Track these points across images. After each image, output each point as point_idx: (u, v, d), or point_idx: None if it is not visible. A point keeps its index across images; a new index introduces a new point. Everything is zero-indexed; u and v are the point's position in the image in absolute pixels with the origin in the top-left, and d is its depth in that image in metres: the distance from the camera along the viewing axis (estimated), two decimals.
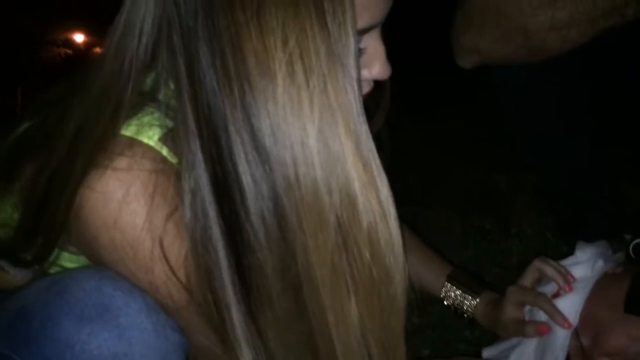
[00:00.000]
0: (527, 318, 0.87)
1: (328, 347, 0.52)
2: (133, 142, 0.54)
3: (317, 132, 0.47)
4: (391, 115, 0.72)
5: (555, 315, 0.83)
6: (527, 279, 0.91)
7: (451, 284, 1.03)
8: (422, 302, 1.10)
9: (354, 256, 0.50)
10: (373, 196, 0.49)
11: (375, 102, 0.69)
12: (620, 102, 1.00)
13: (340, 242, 0.49)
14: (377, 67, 0.57)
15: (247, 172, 0.48)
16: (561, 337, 0.83)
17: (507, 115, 1.07)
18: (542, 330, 0.84)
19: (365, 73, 0.57)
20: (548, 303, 0.85)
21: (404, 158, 1.46)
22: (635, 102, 0.98)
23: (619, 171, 1.11)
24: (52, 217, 0.55)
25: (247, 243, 0.50)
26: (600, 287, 0.85)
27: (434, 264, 1.06)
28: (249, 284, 0.51)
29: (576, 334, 0.83)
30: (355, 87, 0.49)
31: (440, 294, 1.03)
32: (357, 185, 0.48)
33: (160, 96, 0.56)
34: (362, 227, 0.49)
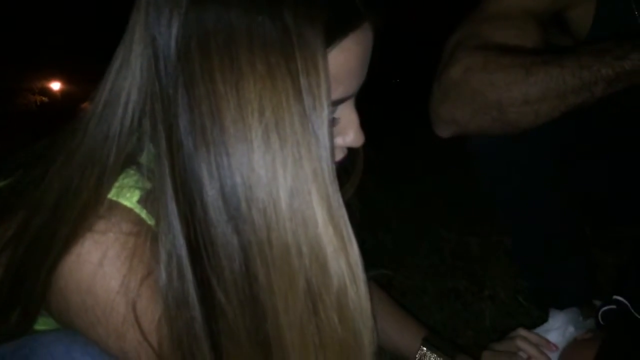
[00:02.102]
0: None
1: None
2: (112, 205, 0.54)
3: (289, 197, 0.48)
4: (367, 179, 0.73)
5: None
6: (504, 346, 0.92)
7: (426, 347, 1.02)
8: None
9: (323, 319, 0.50)
10: (343, 261, 0.50)
11: (349, 168, 0.71)
12: (591, 173, 1.04)
13: (310, 305, 0.50)
14: (350, 135, 0.59)
15: (220, 234, 0.49)
16: None
17: (482, 182, 1.09)
18: None
19: (339, 141, 0.59)
20: None
21: (379, 221, 1.48)
22: (604, 174, 1.02)
23: (591, 238, 1.14)
24: (32, 288, 0.53)
25: (219, 305, 0.50)
26: (570, 352, 0.86)
27: (409, 327, 1.06)
28: (221, 346, 0.51)
29: None
30: (328, 155, 0.50)
31: (415, 357, 1.03)
32: (327, 250, 0.49)
33: (142, 159, 0.56)
34: (331, 290, 0.50)
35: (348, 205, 0.53)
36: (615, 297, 0.83)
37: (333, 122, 0.56)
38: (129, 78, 0.53)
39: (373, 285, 1.07)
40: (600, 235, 1.15)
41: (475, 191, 1.14)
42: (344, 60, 0.53)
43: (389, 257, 1.38)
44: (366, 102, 0.61)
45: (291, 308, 0.49)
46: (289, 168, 0.48)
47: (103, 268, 0.52)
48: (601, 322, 0.87)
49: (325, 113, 0.49)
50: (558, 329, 0.90)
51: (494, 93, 0.86)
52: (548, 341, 0.88)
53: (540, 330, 0.91)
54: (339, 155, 0.60)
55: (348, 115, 0.58)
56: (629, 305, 0.80)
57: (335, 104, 0.54)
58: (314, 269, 0.49)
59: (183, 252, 0.51)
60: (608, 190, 1.04)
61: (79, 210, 0.53)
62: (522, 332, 0.91)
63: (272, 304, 0.49)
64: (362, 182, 0.72)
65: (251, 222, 0.48)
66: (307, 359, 0.51)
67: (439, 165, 1.66)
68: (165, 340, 0.53)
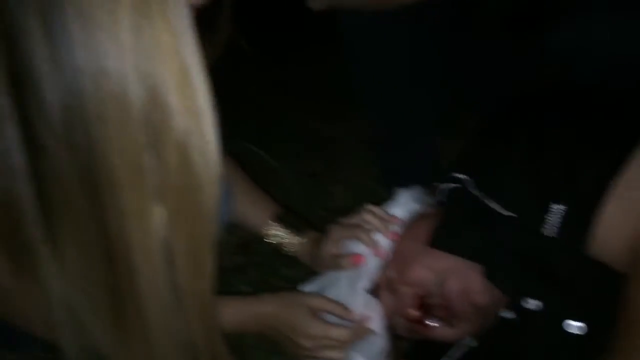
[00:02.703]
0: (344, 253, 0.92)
1: (125, 253, 0.49)
2: None
3: (130, 24, 0.42)
4: (234, 55, 0.69)
5: (371, 244, 0.89)
6: (351, 220, 0.96)
7: (277, 223, 1.04)
8: (245, 240, 1.11)
9: (162, 159, 0.46)
10: (189, 99, 0.46)
11: (212, 25, 0.65)
12: (454, 58, 1.07)
13: (148, 144, 0.45)
14: None
15: (45, 59, 0.42)
16: (372, 267, 0.89)
17: (350, 61, 1.09)
18: (356, 261, 0.89)
19: None
20: (365, 234, 0.90)
21: (243, 97, 1.44)
22: (465, 58, 1.06)
23: (438, 126, 1.20)
24: None
25: (43, 147, 0.44)
26: (411, 225, 0.92)
27: (261, 204, 1.07)
28: (46, 189, 0.46)
29: (386, 266, 0.89)
30: None
31: (266, 233, 1.04)
32: (171, 85, 0.44)
33: None
34: (173, 129, 0.46)
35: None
36: (455, 175, 0.88)
37: None
38: None
39: (230, 161, 1.05)
40: (446, 123, 1.22)
41: (341, 76, 1.13)
42: None
43: (248, 133, 1.36)
44: None
45: (126, 146, 0.45)
46: None
47: None
48: (441, 199, 0.93)
49: None
50: (403, 205, 0.95)
51: None
52: (393, 215, 0.93)
53: (386, 206, 0.96)
54: None
55: None
56: (467, 179, 0.85)
57: None
58: (154, 105, 0.44)
59: (3, 80, 0.43)
60: (466, 75, 1.08)
61: None
62: (369, 207, 0.95)
63: (104, 140, 0.44)
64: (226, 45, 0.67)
65: (84, 47, 0.41)
66: (141, 201, 0.47)
67: (309, 48, 1.63)
68: None
